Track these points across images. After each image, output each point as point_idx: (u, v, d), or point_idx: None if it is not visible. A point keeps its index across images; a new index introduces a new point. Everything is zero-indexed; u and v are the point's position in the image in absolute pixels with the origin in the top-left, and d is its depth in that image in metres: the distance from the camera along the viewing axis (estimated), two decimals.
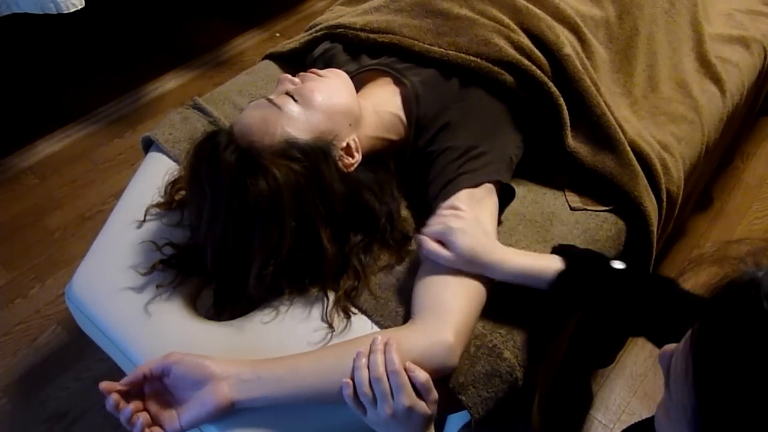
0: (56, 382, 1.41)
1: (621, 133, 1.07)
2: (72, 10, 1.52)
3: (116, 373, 1.39)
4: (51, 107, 2.05)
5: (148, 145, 1.17)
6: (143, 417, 0.77)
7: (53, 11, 1.53)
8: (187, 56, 2.23)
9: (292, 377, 0.79)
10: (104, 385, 0.77)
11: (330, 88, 0.94)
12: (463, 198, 0.92)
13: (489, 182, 0.94)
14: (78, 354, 1.45)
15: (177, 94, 2.10)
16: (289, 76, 0.96)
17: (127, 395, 0.79)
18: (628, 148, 1.07)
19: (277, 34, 2.34)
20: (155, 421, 0.78)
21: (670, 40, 1.31)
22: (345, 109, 0.94)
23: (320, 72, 0.97)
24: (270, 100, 0.92)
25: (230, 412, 0.79)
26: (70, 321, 1.51)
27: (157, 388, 0.80)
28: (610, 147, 1.06)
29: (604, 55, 1.19)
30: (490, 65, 1.02)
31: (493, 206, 0.95)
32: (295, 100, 0.92)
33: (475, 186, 0.93)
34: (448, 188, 0.93)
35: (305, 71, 0.98)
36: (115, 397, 0.77)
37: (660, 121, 1.22)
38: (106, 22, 2.30)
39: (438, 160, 0.97)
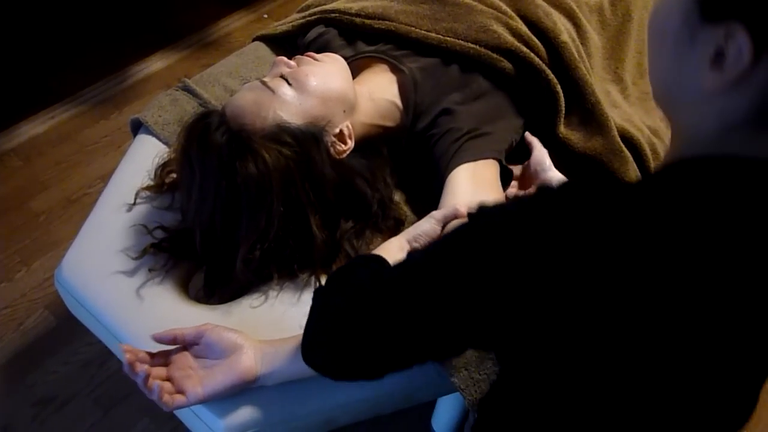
0: (44, 366, 1.40)
1: (612, 121, 1.07)
2: None
3: (106, 357, 1.40)
4: (35, 88, 2.01)
5: (137, 127, 1.16)
6: (165, 384, 0.76)
7: None
8: (174, 37, 2.19)
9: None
10: (125, 346, 0.77)
11: (325, 73, 0.93)
12: (464, 171, 0.92)
13: (491, 159, 0.94)
14: (66, 338, 1.44)
15: (164, 75, 2.07)
16: (285, 58, 0.95)
17: (153, 360, 0.78)
18: (617, 136, 1.08)
19: (265, 16, 2.32)
20: (178, 389, 0.77)
21: None
22: (339, 95, 0.93)
23: (317, 56, 0.96)
24: (264, 83, 0.91)
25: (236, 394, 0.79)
26: (57, 305, 1.50)
27: (183, 356, 0.79)
28: (602, 133, 1.06)
29: (597, 42, 1.19)
30: (489, 52, 1.01)
31: (498, 182, 0.95)
32: (289, 84, 0.91)
33: (476, 160, 0.93)
34: (451, 162, 0.93)
35: (302, 54, 0.97)
36: (129, 357, 0.75)
37: (649, 107, 1.22)
38: (92, 2, 2.26)
39: (440, 140, 0.97)
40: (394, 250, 0.81)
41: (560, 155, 1.08)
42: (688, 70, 0.50)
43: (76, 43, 2.16)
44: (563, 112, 1.06)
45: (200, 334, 0.78)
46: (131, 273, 0.92)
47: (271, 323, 0.88)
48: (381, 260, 0.74)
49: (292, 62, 0.95)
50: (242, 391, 0.79)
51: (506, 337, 0.54)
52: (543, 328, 0.50)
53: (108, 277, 0.91)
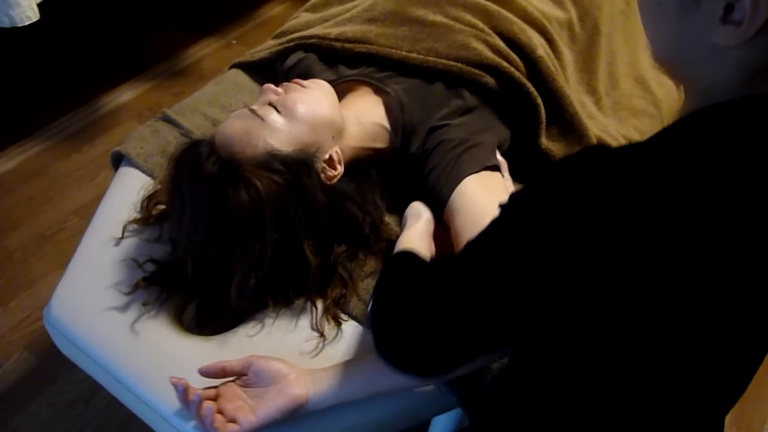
0: (28, 408, 1.36)
1: (591, 131, 1.10)
2: (27, 23, 1.47)
3: (91, 395, 1.37)
4: (2, 123, 1.98)
5: (118, 160, 1.14)
6: (217, 416, 0.75)
7: (6, 24, 1.47)
8: (141, 66, 2.18)
9: (359, 365, 0.80)
10: (174, 379, 0.76)
11: (313, 100, 0.94)
12: (472, 182, 0.93)
13: (491, 167, 0.96)
14: (49, 378, 1.41)
15: (134, 106, 2.05)
16: (273, 86, 0.96)
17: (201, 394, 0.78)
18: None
19: (234, 42, 2.32)
20: (230, 421, 0.76)
21: (626, 38, 1.36)
22: (328, 121, 0.94)
23: (304, 83, 0.97)
24: (252, 111, 0.91)
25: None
26: (36, 345, 1.46)
27: (230, 388, 0.79)
28: (581, 143, 1.09)
29: (569, 56, 1.23)
30: (472, 69, 1.04)
31: (504, 187, 0.96)
32: (278, 111, 0.91)
33: (479, 171, 0.94)
34: (453, 173, 0.94)
35: (288, 81, 0.97)
36: (183, 382, 0.75)
37: (623, 116, 1.26)
38: (57, 34, 2.23)
39: (433, 153, 0.98)
40: (416, 238, 0.86)
41: (540, 166, 1.11)
42: (696, 31, 0.50)
43: (42, 76, 2.13)
44: (544, 123, 1.08)
45: (248, 363, 0.79)
46: (123, 308, 0.91)
47: (270, 351, 0.87)
48: (416, 258, 0.80)
49: (279, 89, 0.95)
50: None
51: (555, 314, 0.55)
52: (588, 299, 0.52)
53: (100, 314, 0.90)
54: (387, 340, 0.69)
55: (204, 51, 2.28)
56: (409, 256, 0.81)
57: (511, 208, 0.56)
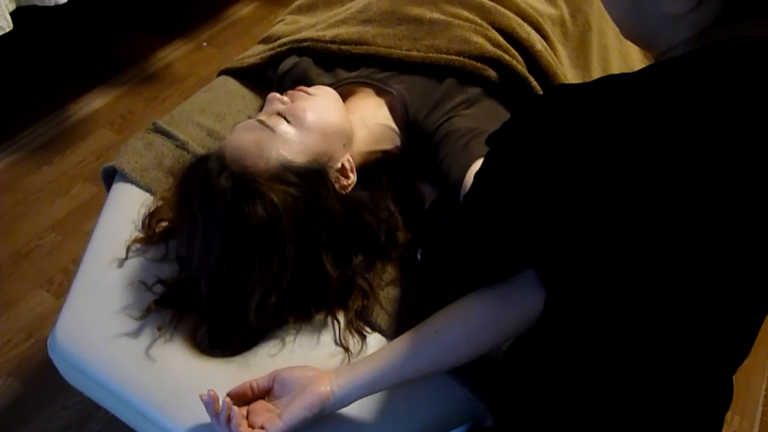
0: None
1: None
2: (0, 34, 1.39)
3: (84, 420, 1.31)
4: None
5: (110, 175, 1.09)
6: (244, 421, 0.74)
7: None
8: (110, 72, 2.10)
9: (381, 352, 0.79)
10: (204, 395, 0.74)
11: (322, 107, 0.92)
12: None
13: None
14: (37, 404, 1.34)
15: (105, 113, 1.97)
16: (278, 94, 0.93)
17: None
18: None
19: (204, 44, 2.25)
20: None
21: (616, 32, 1.37)
22: (338, 129, 0.92)
23: (309, 90, 0.94)
24: (261, 122, 0.88)
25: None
26: (22, 370, 1.40)
27: (259, 404, 0.77)
28: None
29: (563, 52, 1.23)
30: (474, 62, 1.03)
31: None
32: (287, 121, 0.88)
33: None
34: (462, 160, 0.92)
35: (292, 89, 0.94)
36: (212, 393, 0.73)
37: None
38: (20, 41, 2.12)
39: (442, 144, 0.97)
40: None
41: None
42: (649, 5, 0.59)
43: (4, 85, 2.03)
44: None
45: (272, 376, 0.78)
46: (135, 334, 0.87)
47: None
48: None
49: (285, 98, 0.92)
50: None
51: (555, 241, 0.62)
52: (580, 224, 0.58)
53: (111, 341, 0.86)
54: (434, 267, 0.79)
55: (174, 54, 2.21)
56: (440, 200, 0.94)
57: (495, 141, 0.64)
